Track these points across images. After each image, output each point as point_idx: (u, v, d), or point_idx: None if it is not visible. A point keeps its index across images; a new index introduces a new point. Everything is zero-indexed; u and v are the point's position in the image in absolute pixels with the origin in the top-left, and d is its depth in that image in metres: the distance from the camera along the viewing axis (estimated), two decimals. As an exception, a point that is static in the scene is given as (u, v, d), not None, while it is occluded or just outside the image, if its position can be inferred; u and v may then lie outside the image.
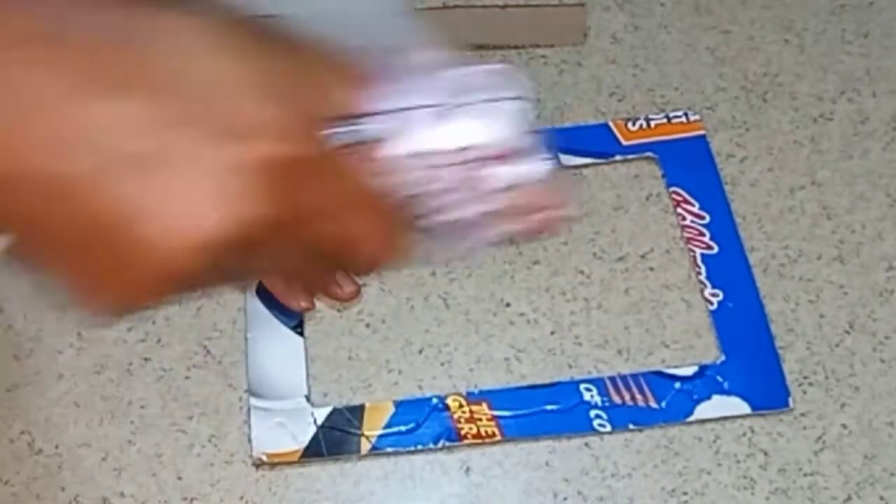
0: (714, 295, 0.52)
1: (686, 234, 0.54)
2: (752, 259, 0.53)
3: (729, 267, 0.52)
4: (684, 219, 0.54)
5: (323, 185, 0.33)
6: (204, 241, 0.31)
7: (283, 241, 0.33)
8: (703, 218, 0.54)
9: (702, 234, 0.54)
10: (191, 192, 0.31)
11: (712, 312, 0.51)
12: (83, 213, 0.31)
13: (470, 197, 0.35)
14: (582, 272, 0.53)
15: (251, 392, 0.50)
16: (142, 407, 0.50)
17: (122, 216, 0.31)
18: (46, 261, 0.34)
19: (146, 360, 0.52)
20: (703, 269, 0.52)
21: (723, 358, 0.49)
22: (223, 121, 0.31)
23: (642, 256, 0.53)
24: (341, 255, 0.35)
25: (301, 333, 0.51)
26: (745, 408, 0.48)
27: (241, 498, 0.48)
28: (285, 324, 0.52)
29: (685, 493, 0.47)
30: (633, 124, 0.57)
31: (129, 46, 0.32)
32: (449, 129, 0.33)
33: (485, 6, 0.63)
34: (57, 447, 0.49)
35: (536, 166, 0.34)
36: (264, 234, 0.32)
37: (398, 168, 0.33)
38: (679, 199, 0.55)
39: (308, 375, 0.50)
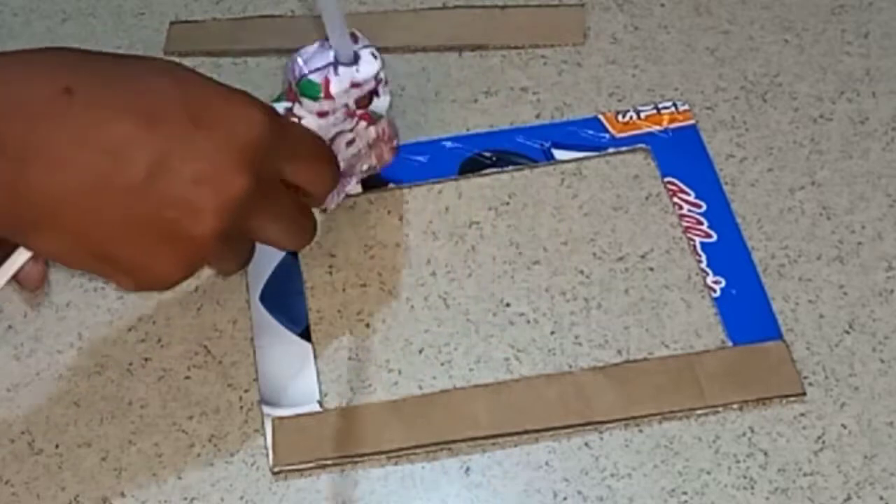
0: (717, 282, 0.52)
1: (684, 224, 0.54)
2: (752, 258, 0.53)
3: (729, 254, 0.53)
4: (681, 208, 0.54)
5: (285, 141, 0.46)
6: (226, 200, 0.43)
7: (272, 191, 0.46)
8: (699, 207, 0.54)
9: (700, 223, 0.54)
10: (204, 174, 0.43)
11: (716, 300, 0.51)
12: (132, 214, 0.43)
13: (353, 138, 0.51)
14: (582, 272, 0.53)
15: (264, 401, 0.50)
16: (142, 407, 0.50)
17: (165, 206, 0.43)
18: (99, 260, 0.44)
19: (146, 360, 0.52)
20: (703, 258, 0.53)
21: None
22: (203, 121, 0.43)
23: (642, 256, 0.53)
24: (312, 181, 0.49)
25: (308, 339, 0.51)
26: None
27: (241, 498, 0.48)
28: (292, 330, 0.52)
29: (685, 493, 0.47)
30: (623, 116, 0.57)
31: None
32: (337, 80, 0.49)
33: (485, 6, 0.63)
34: (57, 447, 0.49)
35: (383, 101, 0.51)
36: (258, 191, 0.44)
37: (319, 119, 0.49)
38: (674, 188, 0.55)
39: (320, 381, 0.50)
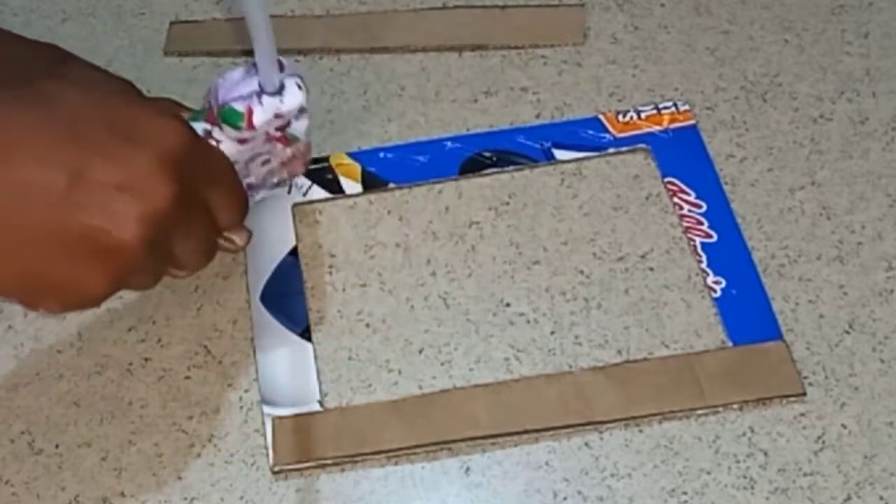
0: (717, 283, 0.52)
1: (685, 224, 0.54)
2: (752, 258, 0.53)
3: (730, 254, 0.53)
4: (682, 209, 0.54)
5: (204, 162, 0.47)
6: (151, 208, 0.43)
7: (190, 206, 0.46)
8: (700, 207, 0.54)
9: (700, 223, 0.54)
10: (127, 182, 0.43)
11: (716, 300, 0.51)
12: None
13: (268, 158, 0.51)
14: (582, 272, 0.53)
15: (264, 401, 0.50)
16: (142, 407, 0.50)
17: (83, 227, 0.42)
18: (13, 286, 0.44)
19: (146, 360, 0.52)
20: (703, 258, 0.53)
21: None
22: (124, 136, 0.44)
23: (642, 256, 0.53)
24: (223, 207, 0.49)
25: (309, 339, 0.51)
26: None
27: (241, 498, 0.48)
28: (292, 330, 0.52)
29: (685, 493, 0.47)
30: (624, 116, 0.57)
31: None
32: (261, 110, 0.48)
33: (485, 6, 0.63)
34: (57, 447, 0.49)
35: (301, 124, 0.50)
36: (179, 202, 0.44)
37: (233, 145, 0.49)
38: (675, 189, 0.55)
39: (320, 381, 0.50)
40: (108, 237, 0.43)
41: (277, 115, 0.48)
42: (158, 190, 0.43)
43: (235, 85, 0.48)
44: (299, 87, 0.48)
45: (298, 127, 0.50)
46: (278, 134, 0.50)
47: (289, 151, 0.52)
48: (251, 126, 0.48)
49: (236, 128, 0.48)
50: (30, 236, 0.42)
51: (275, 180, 0.53)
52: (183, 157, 0.44)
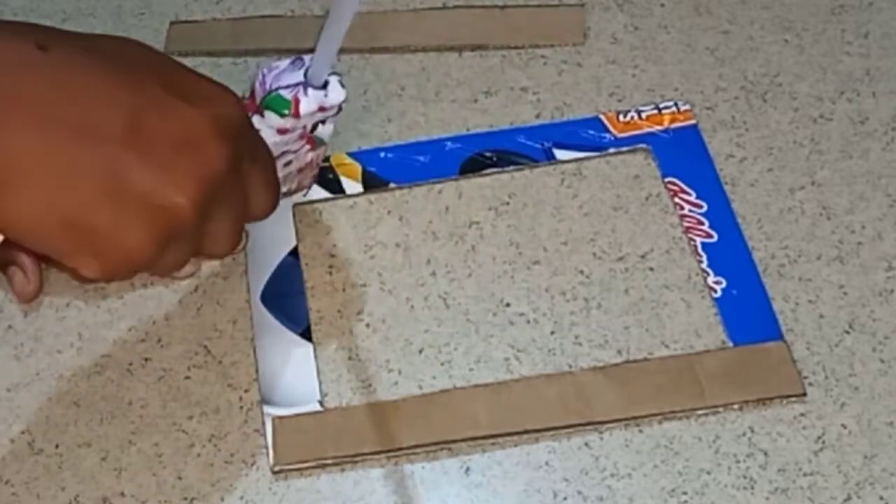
0: (717, 283, 0.52)
1: (685, 224, 0.54)
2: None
3: (730, 254, 0.53)
4: (682, 208, 0.54)
5: (252, 140, 0.46)
6: (207, 171, 0.42)
7: (235, 181, 0.44)
8: (700, 207, 0.54)
9: (700, 223, 0.54)
10: (184, 140, 0.41)
11: (717, 300, 0.51)
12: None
13: (291, 160, 0.51)
14: (582, 272, 0.53)
15: (264, 401, 0.50)
16: (142, 407, 0.50)
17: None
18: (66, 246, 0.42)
19: (146, 360, 0.52)
20: (704, 258, 0.53)
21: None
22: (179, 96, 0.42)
23: (642, 256, 0.53)
24: (260, 193, 0.47)
25: (309, 339, 0.51)
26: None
27: (241, 498, 0.48)
28: (292, 330, 0.52)
29: (685, 493, 0.47)
30: (625, 116, 0.57)
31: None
32: (307, 101, 0.48)
33: (485, 6, 0.63)
34: (57, 447, 0.49)
35: (328, 129, 0.51)
36: (231, 172, 0.43)
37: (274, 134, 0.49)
38: (675, 189, 0.55)
39: (320, 381, 0.50)
40: (162, 194, 0.41)
41: (321, 109, 0.49)
42: (216, 153, 0.42)
43: (282, 74, 0.48)
44: (342, 84, 0.49)
45: (325, 131, 0.51)
46: (310, 133, 0.50)
47: (310, 156, 0.52)
48: (297, 114, 0.48)
49: (281, 115, 0.48)
50: (81, 181, 0.40)
51: (284, 189, 0.53)
52: (238, 126, 0.43)
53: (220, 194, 0.43)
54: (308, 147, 0.51)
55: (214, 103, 0.43)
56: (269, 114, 0.48)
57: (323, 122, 0.50)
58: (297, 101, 0.48)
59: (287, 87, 0.48)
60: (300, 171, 0.53)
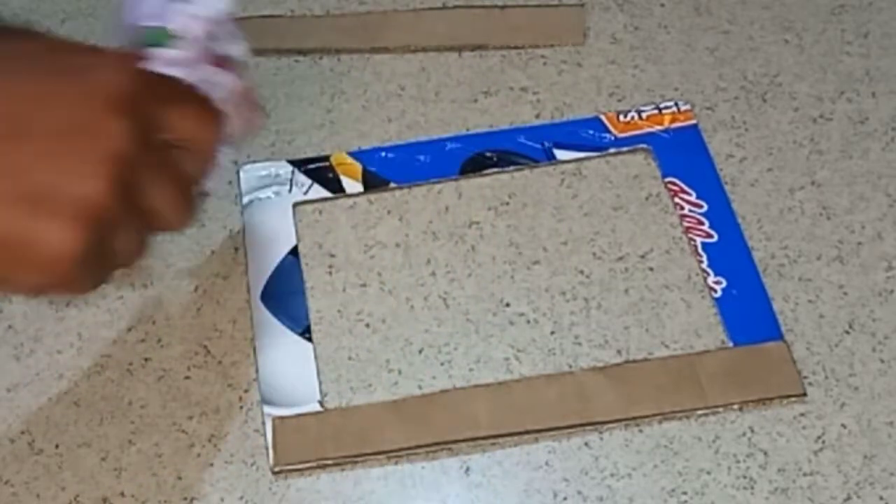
0: (718, 283, 0.52)
1: (685, 224, 0.54)
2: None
3: (730, 254, 0.53)
4: (682, 208, 0.54)
5: (160, 87, 0.42)
6: (106, 148, 0.38)
7: (155, 143, 0.41)
8: (700, 207, 0.54)
9: (701, 223, 0.54)
10: (74, 125, 0.38)
11: (717, 300, 0.51)
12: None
13: (215, 87, 0.47)
14: (582, 272, 0.53)
15: (264, 401, 0.50)
16: (142, 407, 0.50)
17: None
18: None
19: (146, 360, 0.52)
20: (704, 258, 0.53)
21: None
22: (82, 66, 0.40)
23: (642, 256, 0.53)
24: (192, 130, 0.42)
25: (309, 338, 0.51)
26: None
27: (241, 498, 0.48)
28: (292, 330, 0.52)
29: (685, 493, 0.47)
30: (625, 116, 0.57)
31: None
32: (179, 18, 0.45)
33: (485, 6, 0.63)
34: (57, 447, 0.49)
35: (237, 48, 0.48)
36: (140, 139, 0.39)
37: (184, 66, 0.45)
38: (676, 189, 0.55)
39: (320, 381, 0.50)
40: (67, 184, 0.38)
41: (199, 19, 0.46)
42: (113, 129, 0.39)
43: (137, 5, 0.46)
44: None
45: (233, 49, 0.48)
46: (214, 57, 0.47)
47: (232, 82, 0.48)
48: (179, 35, 0.45)
49: (164, 45, 0.45)
50: None
51: (229, 129, 0.47)
52: (131, 93, 0.40)
53: (138, 165, 0.40)
54: (223, 71, 0.48)
55: (100, 78, 0.39)
56: (156, 51, 0.45)
57: (219, 37, 0.47)
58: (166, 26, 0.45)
59: (151, 15, 0.45)
60: (235, 106, 0.48)
